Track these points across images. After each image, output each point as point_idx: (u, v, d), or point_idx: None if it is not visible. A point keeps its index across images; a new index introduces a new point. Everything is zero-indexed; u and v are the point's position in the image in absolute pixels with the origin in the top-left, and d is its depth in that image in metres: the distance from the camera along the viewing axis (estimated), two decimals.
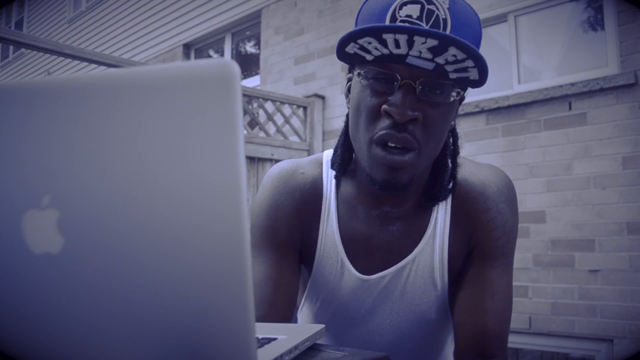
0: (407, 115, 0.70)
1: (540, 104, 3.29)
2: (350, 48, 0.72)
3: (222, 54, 6.21)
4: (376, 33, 0.67)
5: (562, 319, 3.09)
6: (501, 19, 3.72)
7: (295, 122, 4.47)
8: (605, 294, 2.96)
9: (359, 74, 0.75)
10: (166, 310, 0.35)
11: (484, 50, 0.73)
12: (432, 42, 0.66)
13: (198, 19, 6.11)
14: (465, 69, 0.69)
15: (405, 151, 0.73)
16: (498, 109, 3.46)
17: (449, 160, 0.84)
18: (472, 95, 3.65)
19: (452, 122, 0.81)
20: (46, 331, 0.37)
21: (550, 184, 3.21)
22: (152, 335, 0.36)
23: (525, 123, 3.35)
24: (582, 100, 3.14)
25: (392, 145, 0.72)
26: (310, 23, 4.88)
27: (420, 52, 0.67)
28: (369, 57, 0.72)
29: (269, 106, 4.16)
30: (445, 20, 0.69)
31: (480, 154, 3.52)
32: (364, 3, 0.76)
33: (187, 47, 6.41)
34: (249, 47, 6.15)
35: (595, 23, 3.39)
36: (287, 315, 0.87)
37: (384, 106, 0.71)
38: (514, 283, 3.25)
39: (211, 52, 6.44)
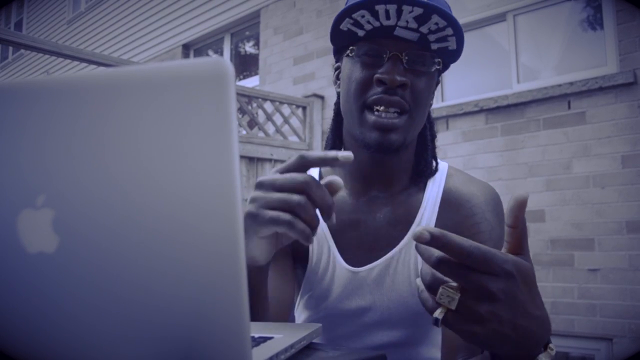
0: (397, 80, 0.79)
1: (540, 103, 3.29)
2: (345, 24, 0.81)
3: (221, 54, 6.21)
4: (369, 5, 0.76)
5: (561, 318, 3.09)
6: (500, 18, 3.73)
7: (294, 122, 4.47)
8: (604, 293, 2.96)
9: (351, 51, 0.84)
10: (161, 308, 0.35)
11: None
12: (417, 11, 0.76)
13: (197, 20, 6.12)
14: (445, 38, 0.80)
15: (397, 115, 0.80)
16: (497, 108, 3.46)
17: (429, 141, 0.92)
18: (472, 95, 3.65)
19: (431, 102, 0.88)
20: (41, 330, 0.37)
21: (549, 183, 3.22)
22: (147, 333, 0.36)
23: (525, 122, 3.35)
24: (581, 99, 3.15)
25: (384, 109, 0.80)
26: (309, 23, 4.88)
27: (407, 22, 0.77)
28: (360, 33, 0.81)
29: (268, 106, 4.16)
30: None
31: (479, 153, 3.52)
32: None
33: (186, 47, 6.41)
34: (248, 47, 6.16)
35: (594, 22, 3.40)
36: (282, 318, 0.88)
37: (376, 75, 0.80)
38: None
39: (210, 53, 6.44)
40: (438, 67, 0.84)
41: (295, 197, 0.57)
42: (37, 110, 0.37)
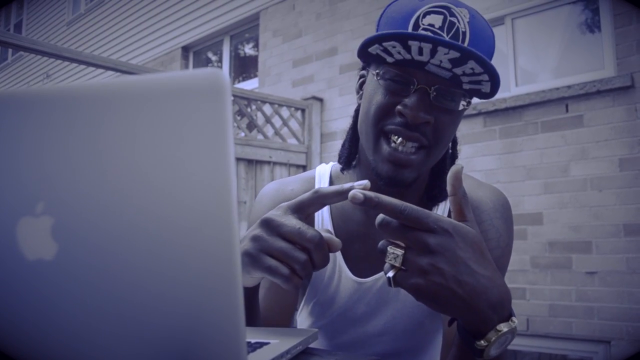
0: (420, 117, 0.73)
1: (537, 106, 3.30)
2: (374, 49, 0.74)
3: (220, 57, 6.22)
4: (402, 39, 0.70)
5: (559, 321, 3.09)
6: (498, 21, 3.74)
7: (293, 124, 4.47)
8: (602, 296, 2.96)
9: (377, 74, 0.77)
10: (158, 313, 0.36)
11: None
12: (454, 54, 0.69)
13: (196, 22, 6.12)
14: (479, 82, 0.73)
15: (415, 150, 0.76)
16: (495, 111, 3.46)
17: (448, 164, 0.88)
18: None
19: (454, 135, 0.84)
20: (40, 334, 0.38)
21: (547, 186, 3.22)
22: (144, 338, 0.36)
23: (523, 125, 3.36)
24: (579, 103, 3.15)
25: (401, 141, 0.75)
26: (308, 26, 4.89)
27: (441, 62, 0.70)
28: (389, 60, 0.74)
29: (267, 109, 4.17)
30: (464, 33, 0.73)
31: (477, 156, 3.52)
32: (388, 6, 0.79)
33: (185, 49, 6.41)
34: (248, 50, 6.16)
35: (592, 25, 3.41)
36: (283, 322, 0.89)
37: (399, 107, 0.75)
38: (512, 285, 3.23)
39: (210, 55, 6.44)
40: (466, 107, 0.79)
41: (298, 256, 0.57)
42: (36, 119, 0.38)
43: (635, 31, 3.03)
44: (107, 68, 3.25)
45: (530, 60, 3.69)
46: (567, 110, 3.20)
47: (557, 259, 3.14)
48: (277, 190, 0.94)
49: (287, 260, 0.57)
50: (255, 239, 0.59)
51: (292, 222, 0.59)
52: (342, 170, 0.92)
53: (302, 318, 0.95)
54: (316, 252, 0.58)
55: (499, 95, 3.55)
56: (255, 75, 5.63)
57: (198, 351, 0.35)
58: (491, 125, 3.50)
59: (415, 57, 0.71)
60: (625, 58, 3.05)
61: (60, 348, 0.38)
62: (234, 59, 6.17)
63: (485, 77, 0.72)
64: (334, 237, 0.60)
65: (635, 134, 2.95)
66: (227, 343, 0.35)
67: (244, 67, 6.13)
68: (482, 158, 3.51)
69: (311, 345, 0.60)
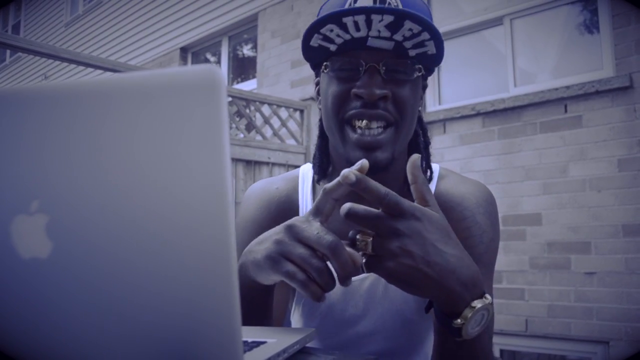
0: (376, 93, 0.74)
1: (536, 106, 3.30)
2: (314, 41, 0.77)
3: (219, 58, 6.22)
4: (336, 18, 0.72)
5: (558, 322, 3.09)
6: (497, 22, 3.74)
7: (292, 125, 4.47)
8: (601, 297, 2.96)
9: (325, 67, 0.80)
10: (154, 313, 0.36)
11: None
12: (388, 18, 0.70)
13: (195, 23, 6.12)
14: (422, 43, 0.74)
15: (382, 129, 0.77)
16: (494, 111, 3.47)
17: (422, 149, 0.89)
18: (469, 99, 3.66)
19: (419, 109, 0.85)
20: (36, 333, 0.38)
21: (546, 187, 3.22)
22: (140, 337, 0.36)
23: (521, 126, 3.36)
24: (578, 103, 3.16)
25: (366, 124, 0.76)
26: (307, 26, 4.88)
27: (379, 31, 0.72)
28: (332, 47, 0.77)
29: (266, 109, 4.16)
30: (397, 6, 0.75)
31: (476, 156, 3.53)
32: (322, 5, 0.83)
33: (184, 50, 6.41)
34: (246, 51, 6.16)
35: (591, 26, 3.41)
36: (275, 320, 0.88)
37: (353, 90, 0.76)
38: (510, 286, 3.22)
39: (208, 56, 6.44)
40: (420, 74, 0.79)
41: (315, 263, 0.57)
42: (32, 117, 0.38)
43: (633, 31, 3.04)
44: (105, 69, 3.24)
45: (529, 61, 3.69)
46: (565, 111, 3.20)
47: (555, 260, 3.14)
48: (263, 189, 0.94)
49: (304, 266, 0.57)
50: (277, 242, 0.60)
51: (312, 228, 0.59)
52: (318, 181, 0.92)
53: (295, 319, 0.95)
54: (334, 259, 0.56)
55: (497, 95, 3.55)
56: (254, 76, 5.63)
57: (194, 350, 0.35)
58: (490, 126, 3.50)
59: (354, 35, 0.73)
60: (624, 58, 3.06)
61: (56, 347, 0.37)
62: (233, 59, 6.17)
63: (426, 35, 0.73)
64: (355, 252, 0.59)
65: (634, 135, 2.96)
66: (224, 342, 0.35)
67: (243, 68, 6.13)
68: (480, 159, 3.51)
69: (308, 345, 0.60)
